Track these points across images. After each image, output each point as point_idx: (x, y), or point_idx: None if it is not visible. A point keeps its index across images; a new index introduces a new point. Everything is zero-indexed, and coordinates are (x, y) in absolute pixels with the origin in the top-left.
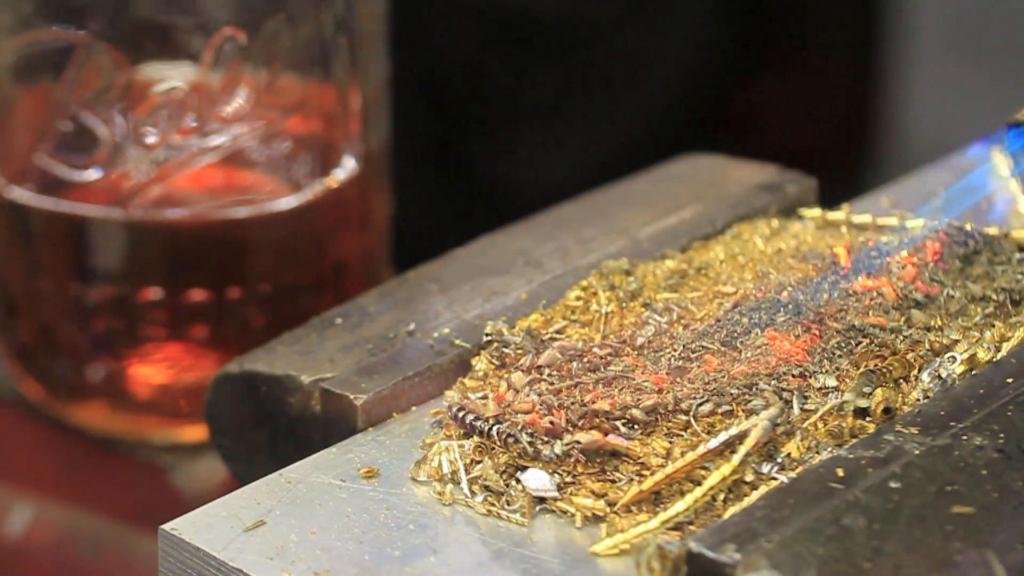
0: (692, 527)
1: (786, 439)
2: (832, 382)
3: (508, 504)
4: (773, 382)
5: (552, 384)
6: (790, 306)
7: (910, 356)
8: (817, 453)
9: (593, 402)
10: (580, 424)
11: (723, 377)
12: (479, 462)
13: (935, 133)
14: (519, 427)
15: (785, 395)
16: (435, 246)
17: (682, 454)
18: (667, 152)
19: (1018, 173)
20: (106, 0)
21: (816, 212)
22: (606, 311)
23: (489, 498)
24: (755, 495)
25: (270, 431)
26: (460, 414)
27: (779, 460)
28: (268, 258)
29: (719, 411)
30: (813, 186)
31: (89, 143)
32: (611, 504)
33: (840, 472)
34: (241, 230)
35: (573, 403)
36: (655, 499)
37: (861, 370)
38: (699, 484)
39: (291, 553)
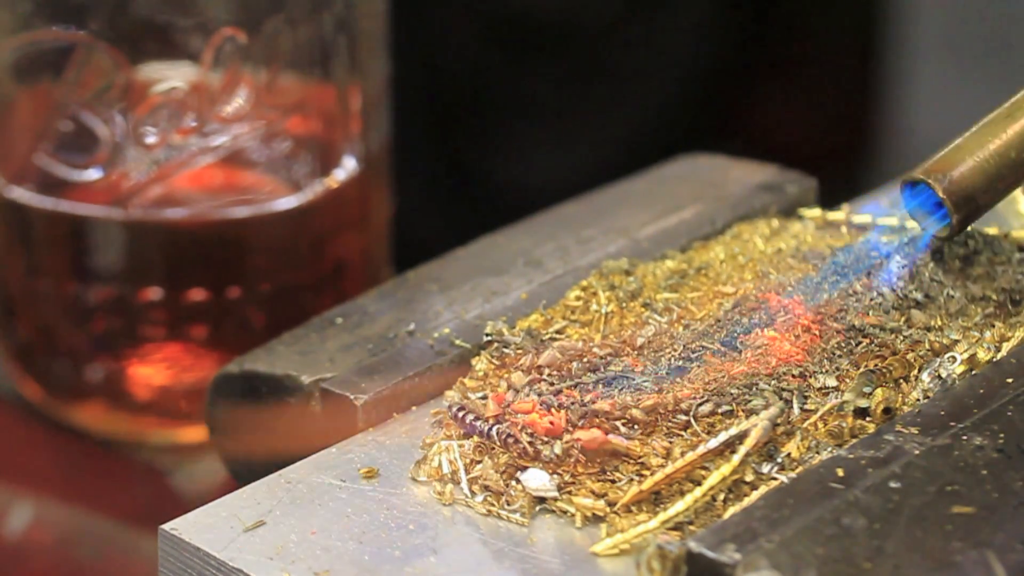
0: (692, 527)
1: (786, 439)
2: (832, 382)
3: (508, 504)
4: (773, 382)
5: (552, 384)
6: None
7: (910, 356)
8: (817, 453)
9: (593, 402)
10: (580, 424)
11: (723, 377)
12: (479, 462)
13: (935, 133)
14: (519, 427)
15: (785, 395)
16: (435, 246)
17: (682, 454)
18: (667, 152)
19: (913, 237)
20: (106, 0)
21: (816, 212)
22: (606, 311)
23: (489, 498)
24: (755, 495)
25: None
26: (460, 414)
27: (779, 460)
28: (268, 258)
29: (719, 411)
30: (813, 186)
31: (89, 143)
32: (611, 504)
33: (840, 472)
34: (241, 230)
35: (573, 403)
36: (655, 499)
37: (861, 370)
38: (699, 484)
39: (291, 553)
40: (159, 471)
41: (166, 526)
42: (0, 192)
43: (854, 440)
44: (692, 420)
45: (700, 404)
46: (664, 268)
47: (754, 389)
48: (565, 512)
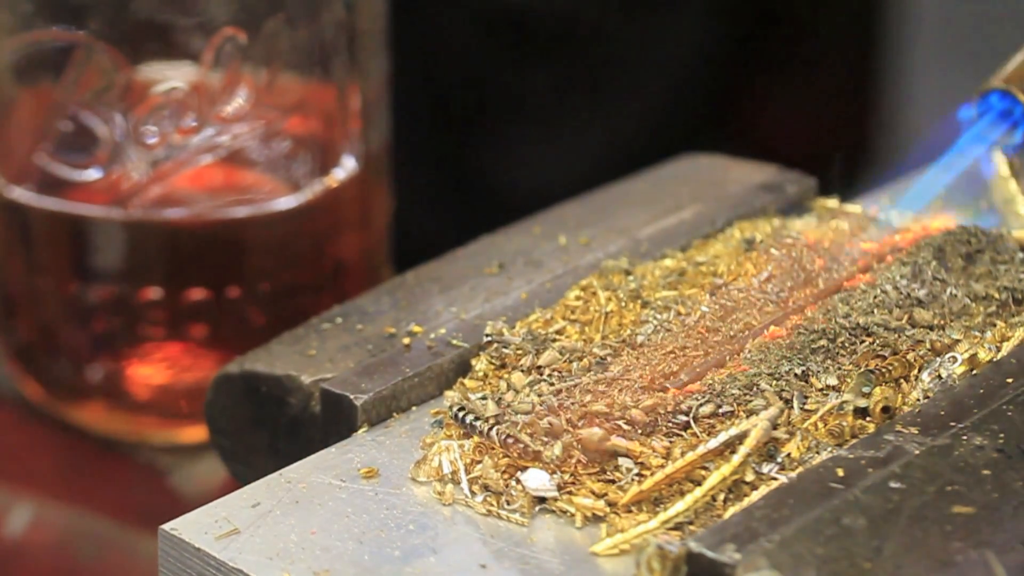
0: (692, 527)
1: (786, 439)
2: (833, 381)
3: (508, 504)
4: (773, 382)
5: (552, 384)
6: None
7: (910, 356)
8: (817, 453)
9: (593, 402)
10: (580, 424)
11: (725, 376)
12: (479, 462)
13: (935, 133)
14: (519, 427)
15: (785, 395)
16: (435, 246)
17: (682, 454)
18: (667, 152)
19: (989, 144)
20: (106, 0)
21: (833, 203)
22: (606, 311)
23: (489, 498)
24: (755, 495)
25: (270, 431)
26: (460, 414)
27: (779, 460)
28: (268, 258)
29: (719, 411)
30: (813, 186)
31: (89, 143)
32: (611, 504)
33: (840, 472)
34: (241, 230)
35: (573, 403)
36: (655, 499)
37: (861, 370)
38: (699, 484)
39: (291, 553)
40: (159, 471)
41: (166, 526)
42: (0, 192)
43: (854, 440)
44: (692, 421)
45: (700, 405)
46: (663, 267)
47: (754, 389)
48: (565, 512)
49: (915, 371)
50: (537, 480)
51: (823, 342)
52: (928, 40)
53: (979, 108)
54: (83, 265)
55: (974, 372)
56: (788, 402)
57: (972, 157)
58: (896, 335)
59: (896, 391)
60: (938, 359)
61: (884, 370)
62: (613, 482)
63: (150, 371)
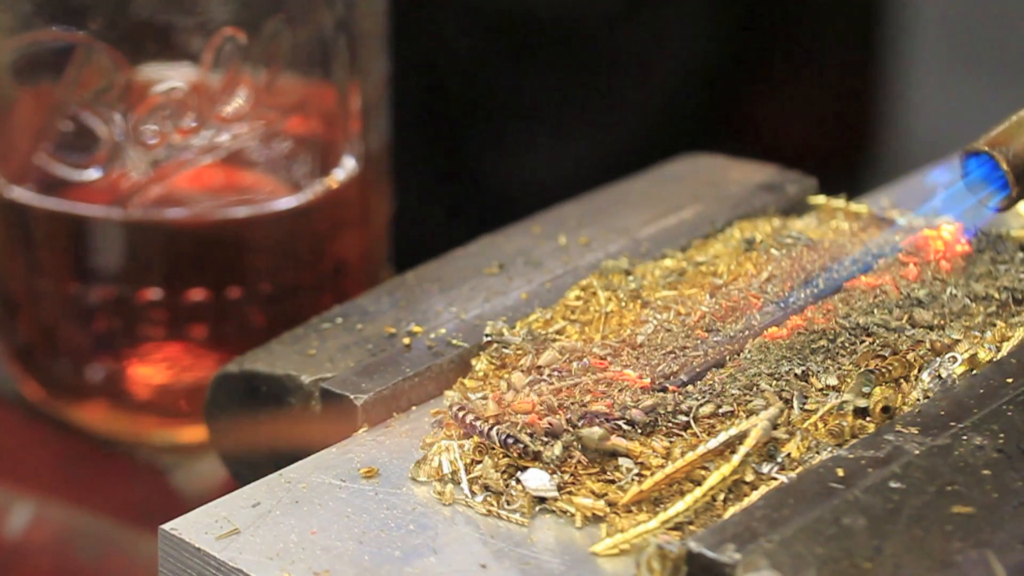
0: (692, 527)
1: (786, 439)
2: (833, 381)
3: (508, 504)
4: (773, 382)
5: (552, 384)
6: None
7: (910, 356)
8: (817, 453)
9: (593, 402)
10: (580, 424)
11: (725, 376)
12: (479, 462)
13: (935, 133)
14: (519, 427)
15: (785, 395)
16: (435, 246)
17: (682, 454)
18: (667, 152)
19: (973, 204)
20: (106, 0)
21: (839, 202)
22: (606, 311)
23: (489, 498)
24: (755, 495)
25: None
26: (460, 414)
27: (779, 460)
28: (268, 258)
29: (719, 411)
30: (813, 186)
31: (89, 143)
32: (611, 504)
33: (840, 472)
34: (241, 230)
35: (573, 403)
36: (655, 499)
37: (861, 370)
38: (699, 484)
39: (291, 553)
40: (159, 471)
41: (166, 526)
42: (0, 192)
43: (854, 440)
44: (692, 421)
45: (700, 405)
46: (663, 267)
47: (754, 389)
48: (565, 512)
49: (915, 371)
50: (537, 480)
51: (823, 342)
52: (928, 40)
53: (964, 168)
54: (83, 265)
55: (974, 372)
56: (788, 402)
57: (949, 215)
58: (896, 335)
59: (896, 391)
60: (938, 359)
61: (884, 370)
62: (613, 482)
63: (150, 371)
